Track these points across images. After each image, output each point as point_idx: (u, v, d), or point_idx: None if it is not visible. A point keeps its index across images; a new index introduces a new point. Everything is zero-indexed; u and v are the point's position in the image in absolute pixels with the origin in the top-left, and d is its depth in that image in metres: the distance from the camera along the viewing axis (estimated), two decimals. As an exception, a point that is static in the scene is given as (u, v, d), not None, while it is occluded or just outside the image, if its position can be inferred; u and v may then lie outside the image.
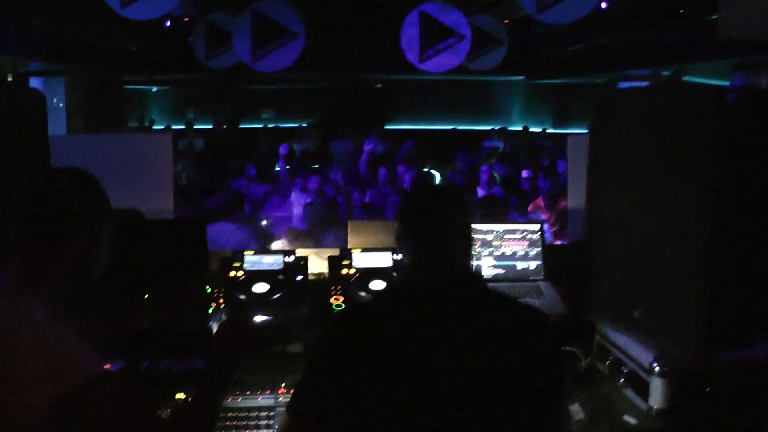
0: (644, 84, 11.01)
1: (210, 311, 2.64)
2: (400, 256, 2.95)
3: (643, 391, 2.35)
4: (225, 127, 15.64)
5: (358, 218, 7.02)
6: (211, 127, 15.39)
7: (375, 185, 8.98)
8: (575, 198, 3.56)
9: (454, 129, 15.84)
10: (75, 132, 10.54)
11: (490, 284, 1.91)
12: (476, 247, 3.02)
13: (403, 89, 15.54)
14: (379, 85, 16.27)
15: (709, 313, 2.19)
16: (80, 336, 1.63)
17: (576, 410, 2.42)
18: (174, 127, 14.42)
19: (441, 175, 11.48)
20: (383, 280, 2.84)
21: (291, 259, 2.94)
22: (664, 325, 2.31)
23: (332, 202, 7.05)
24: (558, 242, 5.73)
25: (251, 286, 2.77)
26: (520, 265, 3.14)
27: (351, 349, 1.72)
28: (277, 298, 2.73)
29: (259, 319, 2.69)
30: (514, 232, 3.17)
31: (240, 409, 2.38)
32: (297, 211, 7.12)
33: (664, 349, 2.32)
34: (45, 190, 1.72)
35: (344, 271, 2.91)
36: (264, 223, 6.17)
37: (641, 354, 2.39)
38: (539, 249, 3.16)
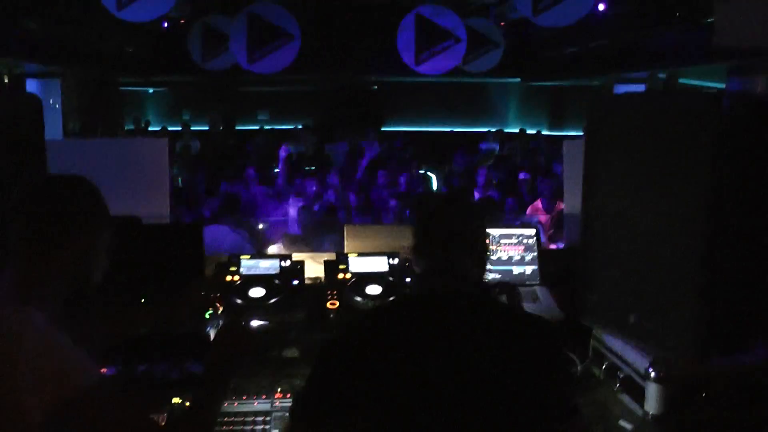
0: (640, 86, 11.04)
1: (207, 316, 2.64)
2: (394, 261, 2.97)
3: (639, 396, 2.35)
4: (221, 128, 15.63)
5: (356, 221, 7.03)
6: (207, 128, 15.38)
7: (372, 188, 8.98)
8: (571, 202, 3.57)
9: (451, 131, 15.85)
10: (71, 133, 10.55)
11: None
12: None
13: (400, 91, 15.56)
14: (375, 87, 16.28)
15: (705, 318, 2.20)
16: (78, 340, 1.64)
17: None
18: (170, 128, 14.40)
19: (437, 177, 11.49)
20: (379, 284, 2.84)
21: (287, 263, 2.94)
22: (660, 329, 2.32)
23: (329, 205, 7.05)
24: (553, 246, 5.74)
25: (247, 290, 2.77)
26: (516, 270, 3.14)
27: (356, 356, 1.72)
28: (274, 302, 2.72)
29: (255, 323, 2.69)
30: (510, 236, 3.17)
31: (236, 414, 2.38)
32: (293, 214, 7.12)
33: (660, 354, 2.32)
34: (43, 195, 1.73)
35: (340, 275, 2.91)
36: (261, 226, 6.17)
37: (637, 359, 2.40)
38: (535, 254, 3.16)
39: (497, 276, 3.12)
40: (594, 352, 2.71)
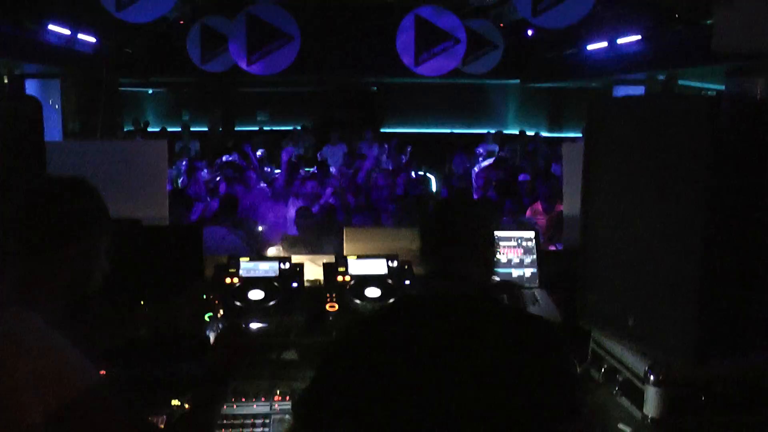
0: (639, 88, 11.05)
1: (207, 318, 2.64)
2: (394, 264, 2.97)
3: (638, 399, 2.35)
4: (220, 129, 15.63)
5: (356, 221, 7.02)
6: (206, 129, 15.38)
7: (373, 190, 8.97)
8: (570, 204, 3.58)
9: (450, 132, 15.86)
10: (71, 133, 10.55)
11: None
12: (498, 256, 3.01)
13: (399, 92, 15.56)
14: (375, 88, 16.28)
15: (704, 321, 2.20)
16: (78, 342, 1.64)
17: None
18: (169, 129, 14.41)
19: (436, 179, 11.50)
20: (379, 287, 2.84)
21: (286, 265, 2.94)
22: (659, 332, 2.32)
23: (329, 206, 7.05)
24: (551, 247, 5.74)
25: (247, 292, 2.77)
26: (515, 273, 3.14)
27: (360, 359, 1.72)
28: (273, 305, 2.72)
29: (254, 326, 2.69)
30: (509, 239, 3.17)
31: (235, 416, 2.39)
32: (292, 215, 7.11)
33: (659, 357, 2.32)
34: (43, 197, 1.73)
35: (340, 278, 2.91)
36: (260, 228, 6.17)
37: (636, 362, 2.40)
38: (534, 256, 3.17)
39: (496, 279, 3.12)
40: (593, 354, 2.71)
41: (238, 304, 2.70)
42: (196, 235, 2.93)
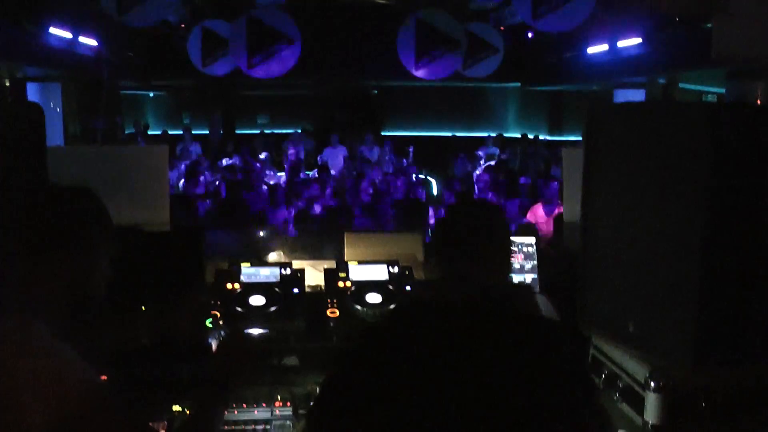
0: (640, 91, 11.04)
1: (208, 323, 2.65)
2: (394, 270, 2.97)
3: (639, 406, 2.35)
4: (221, 132, 15.64)
5: (357, 222, 7.01)
6: (206, 132, 15.39)
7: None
8: (570, 209, 3.58)
9: (451, 135, 15.87)
10: (71, 136, 10.56)
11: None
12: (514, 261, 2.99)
13: (399, 95, 15.57)
14: (375, 92, 16.29)
15: (705, 326, 2.20)
16: (79, 347, 1.65)
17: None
18: (170, 132, 14.42)
19: (437, 182, 11.50)
20: (379, 293, 2.84)
21: (287, 271, 2.94)
22: (659, 338, 2.32)
23: (329, 210, 7.05)
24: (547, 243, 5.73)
25: (248, 298, 2.77)
26: (516, 278, 3.14)
27: (371, 366, 1.72)
28: (274, 310, 2.73)
29: (255, 331, 2.69)
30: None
31: (236, 422, 2.39)
32: (293, 218, 7.11)
33: (660, 363, 2.33)
34: (46, 206, 1.73)
35: (341, 284, 2.91)
36: (261, 234, 6.16)
37: (636, 368, 2.40)
38: (534, 262, 3.17)
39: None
40: (593, 360, 2.71)
41: (239, 309, 2.70)
42: (197, 239, 2.93)
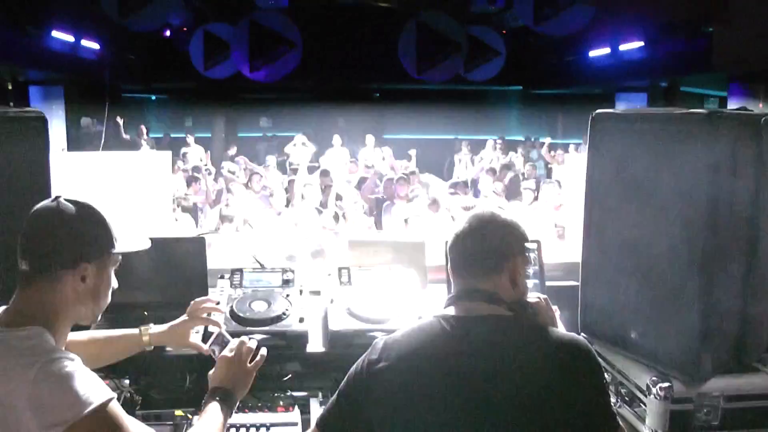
0: (642, 95, 11.04)
1: (211, 330, 2.64)
2: (398, 275, 2.97)
3: (641, 413, 2.36)
4: (223, 135, 15.65)
5: (361, 229, 7.01)
6: (209, 135, 15.40)
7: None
8: (572, 216, 3.58)
9: (454, 138, 15.87)
10: (73, 140, 10.57)
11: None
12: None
13: (401, 98, 15.55)
14: (377, 95, 16.29)
15: (706, 335, 2.21)
16: (83, 357, 1.66)
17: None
18: (172, 135, 14.43)
19: (438, 185, 11.48)
20: (382, 299, 2.84)
21: (290, 276, 2.94)
22: (661, 345, 2.33)
23: (333, 214, 7.05)
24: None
25: (251, 303, 2.77)
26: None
27: (384, 378, 1.73)
28: (276, 316, 2.72)
29: (257, 337, 2.69)
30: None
31: (238, 428, 2.39)
32: (295, 222, 7.12)
33: (661, 371, 2.33)
34: (50, 222, 1.74)
35: (343, 289, 2.91)
36: (264, 238, 6.17)
37: (638, 376, 2.40)
38: (536, 267, 3.16)
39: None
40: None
41: (241, 315, 2.70)
42: (200, 246, 2.93)
